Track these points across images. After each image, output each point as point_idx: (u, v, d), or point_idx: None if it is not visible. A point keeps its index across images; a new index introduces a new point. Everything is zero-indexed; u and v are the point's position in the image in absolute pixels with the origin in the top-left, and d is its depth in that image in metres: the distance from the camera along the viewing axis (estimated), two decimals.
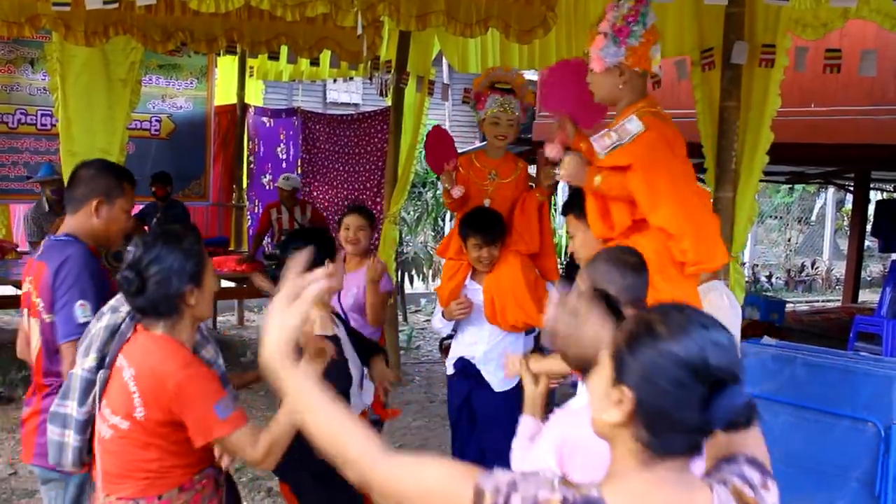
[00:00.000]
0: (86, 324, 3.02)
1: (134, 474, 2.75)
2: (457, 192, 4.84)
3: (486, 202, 4.76)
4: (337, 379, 3.35)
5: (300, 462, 3.37)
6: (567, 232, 3.89)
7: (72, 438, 2.85)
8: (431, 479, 1.61)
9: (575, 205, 3.81)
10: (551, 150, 3.95)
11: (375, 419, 4.92)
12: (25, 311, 3.42)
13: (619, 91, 3.68)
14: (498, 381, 4.62)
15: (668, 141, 3.59)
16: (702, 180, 9.29)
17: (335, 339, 3.47)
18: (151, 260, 2.74)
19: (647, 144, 3.48)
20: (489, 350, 4.68)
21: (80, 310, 3.18)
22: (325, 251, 3.46)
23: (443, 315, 4.86)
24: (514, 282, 4.57)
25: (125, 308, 2.83)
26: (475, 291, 4.72)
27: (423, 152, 5.39)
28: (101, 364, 2.79)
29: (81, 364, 2.82)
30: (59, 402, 2.88)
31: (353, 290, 5.14)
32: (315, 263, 3.39)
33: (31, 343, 3.39)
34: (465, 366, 4.79)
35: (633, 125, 3.54)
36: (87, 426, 2.85)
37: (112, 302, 2.89)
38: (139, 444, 2.72)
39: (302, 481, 3.43)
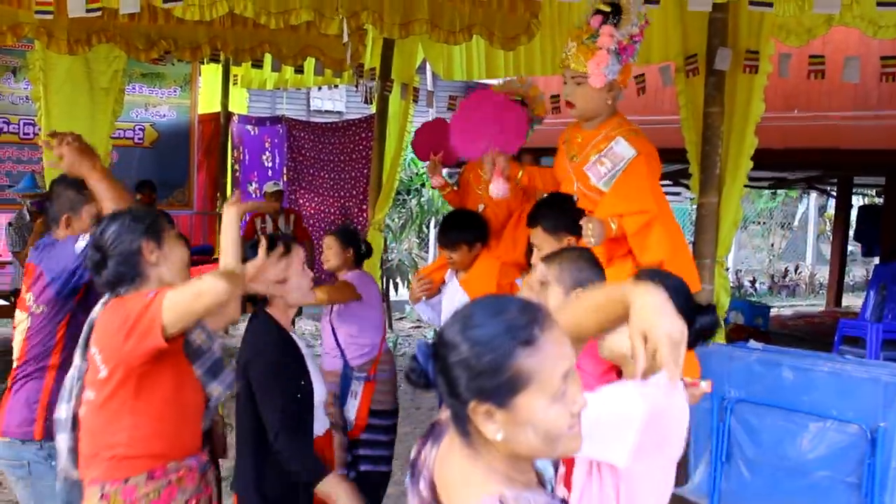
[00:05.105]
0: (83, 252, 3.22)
1: (101, 453, 2.73)
2: (435, 181, 4.99)
3: (480, 207, 4.82)
4: (300, 382, 3.36)
5: (256, 481, 3.34)
6: (531, 243, 3.92)
7: (63, 440, 2.87)
8: None
9: (543, 216, 3.82)
10: (496, 190, 4.09)
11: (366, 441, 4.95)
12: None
13: (606, 106, 3.81)
14: None
15: (654, 158, 3.85)
16: (686, 186, 9.32)
17: (297, 349, 3.47)
18: (104, 228, 2.82)
19: (647, 176, 3.74)
20: None
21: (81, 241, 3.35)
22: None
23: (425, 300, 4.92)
24: (484, 287, 4.39)
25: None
26: (454, 290, 4.71)
27: (412, 146, 5.58)
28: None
29: (74, 366, 2.87)
30: (56, 409, 2.94)
31: (338, 305, 5.17)
32: None
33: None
34: None
35: (623, 149, 3.69)
36: (75, 423, 2.86)
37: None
38: (107, 413, 2.71)
39: (250, 495, 3.32)
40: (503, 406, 1.57)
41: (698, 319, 2.45)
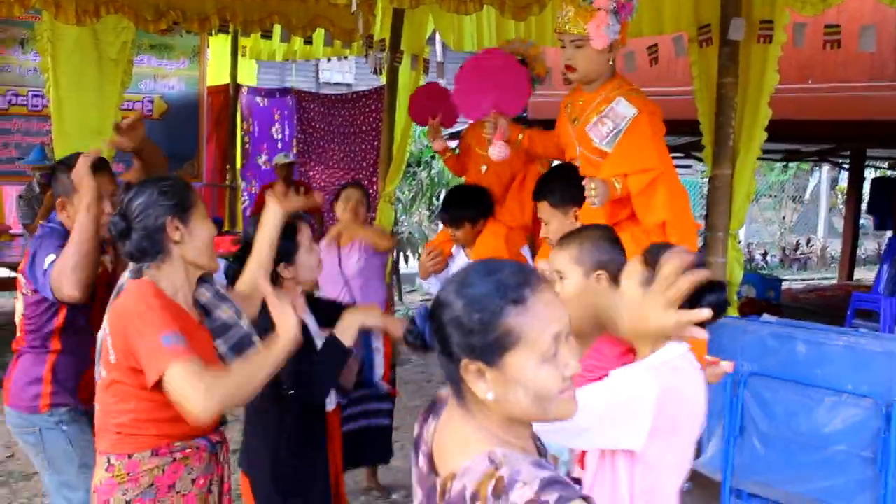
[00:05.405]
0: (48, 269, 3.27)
1: (109, 428, 2.73)
2: (436, 145, 5.03)
3: (483, 168, 4.83)
4: (302, 361, 3.32)
5: (269, 463, 3.31)
6: (538, 217, 3.91)
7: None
8: None
9: (549, 190, 3.80)
10: (496, 152, 4.08)
11: (384, 394, 5.04)
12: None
13: (607, 67, 3.82)
14: None
15: (657, 115, 3.79)
16: (698, 158, 9.23)
17: (305, 328, 3.42)
18: (132, 198, 2.74)
19: (650, 135, 3.69)
20: None
21: (50, 258, 3.32)
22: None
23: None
24: (492, 254, 4.23)
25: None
26: (462, 263, 4.68)
27: (409, 112, 5.74)
28: None
29: (103, 329, 2.80)
30: (95, 370, 2.91)
31: (353, 258, 5.23)
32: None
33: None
34: None
35: (624, 108, 3.66)
36: None
37: None
38: (115, 393, 2.70)
39: (261, 481, 3.33)
40: (493, 365, 1.60)
41: (706, 297, 2.37)
